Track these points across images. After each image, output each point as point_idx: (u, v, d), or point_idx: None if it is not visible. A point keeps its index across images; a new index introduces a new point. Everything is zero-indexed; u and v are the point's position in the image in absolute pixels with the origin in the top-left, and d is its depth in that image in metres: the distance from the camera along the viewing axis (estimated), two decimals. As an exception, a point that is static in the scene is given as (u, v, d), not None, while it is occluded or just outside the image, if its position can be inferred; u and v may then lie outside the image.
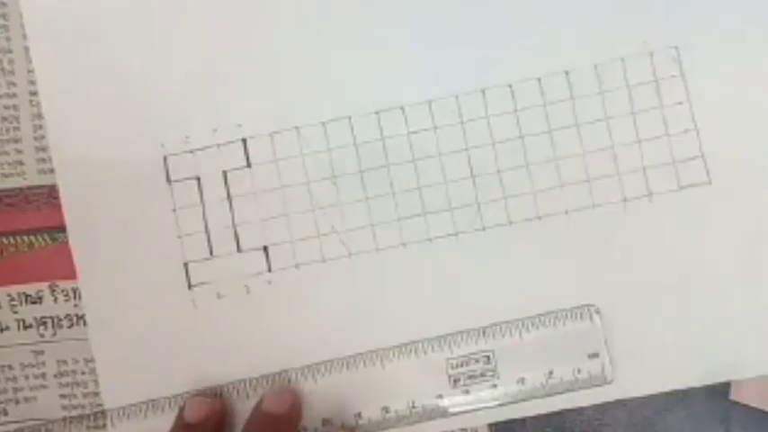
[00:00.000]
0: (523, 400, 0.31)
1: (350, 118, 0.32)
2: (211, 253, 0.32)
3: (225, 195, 0.33)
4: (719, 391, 0.32)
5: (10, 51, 0.33)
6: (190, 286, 0.32)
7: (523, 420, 0.32)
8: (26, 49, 0.33)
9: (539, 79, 0.32)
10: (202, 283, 0.32)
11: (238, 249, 0.32)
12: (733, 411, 0.32)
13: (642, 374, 0.31)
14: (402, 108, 0.32)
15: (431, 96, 0.32)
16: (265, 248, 0.32)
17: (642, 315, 0.31)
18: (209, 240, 0.32)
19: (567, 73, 0.32)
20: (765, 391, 0.31)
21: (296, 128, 0.32)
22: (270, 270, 0.32)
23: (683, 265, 0.31)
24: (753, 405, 0.31)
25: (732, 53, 0.31)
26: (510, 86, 0.32)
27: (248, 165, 0.33)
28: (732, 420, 0.32)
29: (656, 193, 0.32)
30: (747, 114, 0.31)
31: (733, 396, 0.31)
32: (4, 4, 0.33)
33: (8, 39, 0.33)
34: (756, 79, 0.31)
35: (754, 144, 0.31)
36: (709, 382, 0.31)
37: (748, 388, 0.31)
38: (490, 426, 0.32)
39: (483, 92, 0.32)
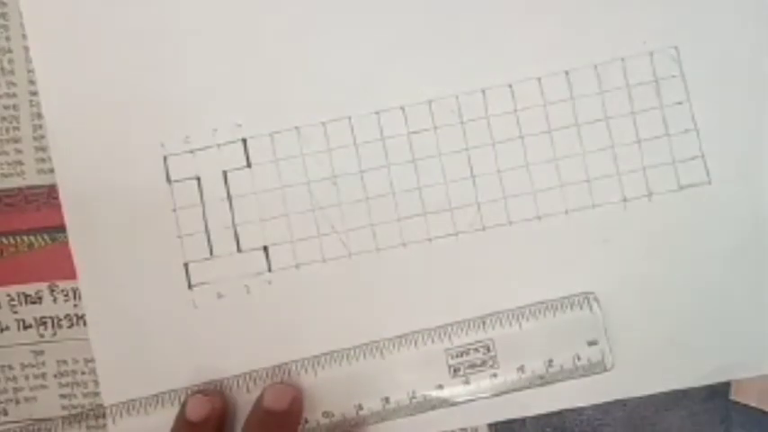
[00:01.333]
0: (524, 388, 0.31)
1: (350, 118, 0.32)
2: (211, 253, 0.32)
3: (225, 195, 0.33)
4: (719, 391, 0.32)
5: (10, 51, 0.33)
6: (190, 286, 0.32)
7: (523, 420, 0.32)
8: (26, 49, 0.33)
9: (539, 79, 0.32)
10: (202, 283, 0.32)
11: (238, 249, 0.32)
12: (733, 411, 0.32)
13: (641, 367, 0.31)
14: (402, 108, 0.32)
15: (431, 96, 0.32)
16: (265, 248, 0.32)
17: (642, 315, 0.31)
18: (209, 240, 0.32)
19: (566, 73, 0.32)
20: (765, 391, 0.31)
21: (296, 128, 0.32)
22: (270, 270, 0.32)
23: (682, 265, 0.31)
24: (753, 405, 0.31)
25: (732, 53, 0.31)
26: (510, 86, 0.32)
27: (248, 165, 0.33)
28: (732, 420, 0.32)
29: (656, 193, 0.32)
30: (747, 114, 0.31)
31: (733, 396, 0.31)
32: (4, 4, 0.33)
33: (8, 39, 0.33)
34: (756, 79, 0.31)
35: (754, 144, 0.31)
36: (709, 382, 0.31)
37: (748, 388, 0.31)
38: (490, 426, 0.32)
39: (483, 92, 0.32)
